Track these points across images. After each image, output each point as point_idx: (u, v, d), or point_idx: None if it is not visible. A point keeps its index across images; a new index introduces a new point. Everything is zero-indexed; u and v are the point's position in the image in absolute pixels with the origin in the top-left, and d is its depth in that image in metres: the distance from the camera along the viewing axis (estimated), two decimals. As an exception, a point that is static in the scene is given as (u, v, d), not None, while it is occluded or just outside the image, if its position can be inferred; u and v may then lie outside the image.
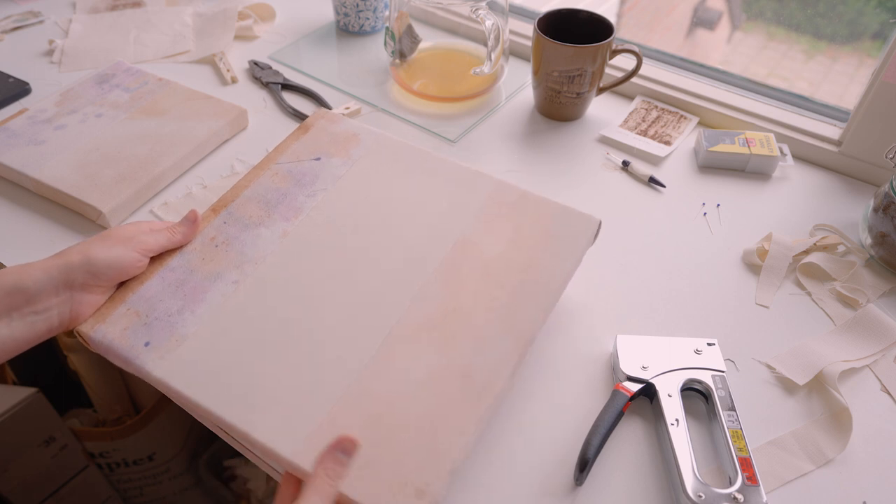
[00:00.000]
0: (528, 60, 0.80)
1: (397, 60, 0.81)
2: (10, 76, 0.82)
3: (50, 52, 0.88)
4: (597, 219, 0.55)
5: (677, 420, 0.48)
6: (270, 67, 0.85)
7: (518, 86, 0.84)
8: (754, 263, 0.62)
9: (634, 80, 0.79)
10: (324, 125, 0.63)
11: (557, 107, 0.77)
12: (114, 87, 0.74)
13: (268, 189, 0.57)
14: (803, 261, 0.62)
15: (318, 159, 0.59)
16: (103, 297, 0.49)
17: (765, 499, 0.44)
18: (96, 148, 0.67)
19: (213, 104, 0.73)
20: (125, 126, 0.70)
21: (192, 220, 0.54)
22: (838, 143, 0.72)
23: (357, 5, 0.88)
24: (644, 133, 0.76)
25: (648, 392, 0.51)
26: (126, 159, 0.66)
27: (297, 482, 0.42)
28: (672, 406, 0.49)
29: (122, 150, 0.67)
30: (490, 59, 0.73)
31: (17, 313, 0.45)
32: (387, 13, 0.91)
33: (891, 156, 0.61)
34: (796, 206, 0.69)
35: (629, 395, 0.50)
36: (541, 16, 0.74)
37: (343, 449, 0.40)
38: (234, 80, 0.84)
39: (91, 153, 0.66)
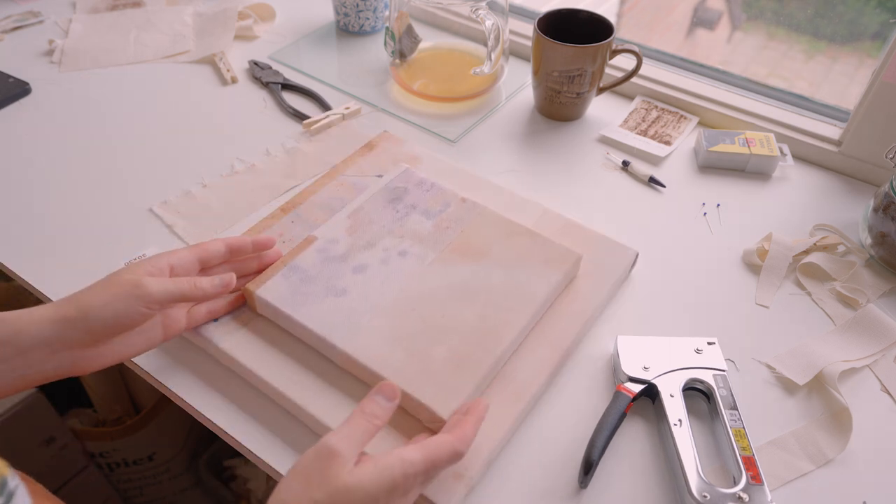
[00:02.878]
0: (528, 60, 0.80)
1: (397, 60, 0.81)
2: (10, 76, 0.82)
3: (50, 52, 0.88)
4: (634, 250, 0.60)
5: (680, 420, 0.48)
6: (270, 67, 0.85)
7: (518, 86, 0.84)
8: (754, 263, 0.62)
9: (634, 80, 0.79)
10: (387, 146, 0.70)
11: (557, 107, 0.77)
12: (410, 209, 0.60)
13: (332, 197, 0.63)
14: (803, 261, 0.62)
15: (381, 176, 0.65)
16: (108, 350, 0.45)
17: (769, 497, 0.44)
18: (412, 307, 0.52)
19: (541, 244, 0.57)
20: (438, 273, 0.55)
21: (225, 283, 0.49)
22: (838, 143, 0.72)
23: (357, 5, 0.88)
24: (644, 133, 0.76)
25: (650, 392, 0.51)
26: (454, 330, 0.51)
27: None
28: (675, 406, 0.49)
29: (444, 311, 0.52)
30: (490, 59, 0.73)
31: (7, 365, 0.42)
32: (387, 13, 0.91)
33: (891, 156, 0.61)
34: (796, 206, 0.69)
35: (631, 396, 0.50)
36: (541, 16, 0.74)
37: (384, 393, 0.43)
38: (234, 80, 0.84)
39: (408, 316, 0.52)
